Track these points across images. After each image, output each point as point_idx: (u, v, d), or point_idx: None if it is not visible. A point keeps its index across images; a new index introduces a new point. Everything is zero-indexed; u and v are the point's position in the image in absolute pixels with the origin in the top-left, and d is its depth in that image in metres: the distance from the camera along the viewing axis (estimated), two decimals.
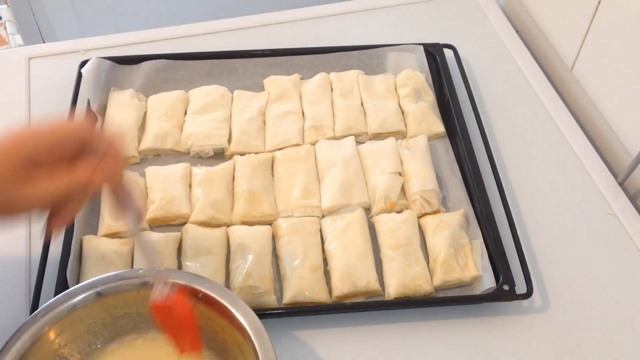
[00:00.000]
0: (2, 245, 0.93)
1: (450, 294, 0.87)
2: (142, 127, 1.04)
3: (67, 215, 0.66)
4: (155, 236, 0.89)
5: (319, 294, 0.85)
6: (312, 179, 0.97)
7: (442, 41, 1.16)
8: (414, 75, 1.10)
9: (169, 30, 1.25)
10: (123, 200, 0.70)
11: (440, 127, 1.05)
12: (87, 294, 0.72)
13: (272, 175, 0.99)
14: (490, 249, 0.89)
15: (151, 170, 0.98)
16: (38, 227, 0.93)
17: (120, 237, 0.91)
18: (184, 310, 0.72)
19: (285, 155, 1.00)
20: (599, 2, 1.03)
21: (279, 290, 0.87)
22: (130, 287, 0.73)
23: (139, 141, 1.02)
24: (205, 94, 1.08)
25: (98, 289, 0.72)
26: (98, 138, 0.67)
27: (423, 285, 0.85)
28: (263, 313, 0.82)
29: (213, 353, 0.75)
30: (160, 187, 0.95)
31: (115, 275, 0.74)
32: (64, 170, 0.64)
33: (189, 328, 0.72)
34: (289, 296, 0.84)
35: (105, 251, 0.87)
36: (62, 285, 0.83)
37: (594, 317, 0.86)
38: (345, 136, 1.03)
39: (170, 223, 0.94)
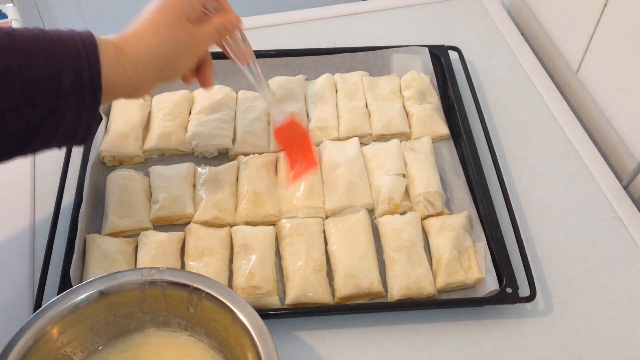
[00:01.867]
0: (5, 244, 0.93)
1: (453, 296, 0.87)
2: (146, 127, 1.05)
3: (211, 70, 0.88)
4: (159, 236, 0.89)
5: (321, 295, 0.85)
6: (316, 180, 0.97)
7: (447, 43, 1.16)
8: (418, 77, 1.10)
9: None
10: (237, 44, 0.90)
11: (444, 129, 1.05)
12: (90, 292, 0.72)
13: (276, 175, 0.99)
14: (493, 252, 0.89)
15: (155, 170, 0.98)
16: (41, 226, 0.94)
17: (124, 236, 0.91)
18: (301, 129, 0.96)
19: None
20: (605, 5, 1.03)
21: (282, 291, 0.87)
22: (134, 286, 0.73)
23: (144, 141, 1.03)
24: (210, 94, 1.08)
25: (101, 288, 0.72)
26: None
27: (426, 287, 0.85)
28: (266, 313, 0.82)
29: (215, 353, 0.75)
30: (164, 186, 0.95)
31: (119, 274, 0.74)
32: (206, 20, 0.82)
33: (307, 146, 0.95)
34: (291, 297, 0.84)
35: (108, 250, 0.87)
36: (65, 284, 0.83)
37: (597, 321, 0.85)
38: (350, 137, 1.03)
39: (173, 223, 0.94)
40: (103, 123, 1.03)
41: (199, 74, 0.88)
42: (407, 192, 0.96)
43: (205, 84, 0.88)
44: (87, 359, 0.74)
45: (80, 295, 0.72)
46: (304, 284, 0.85)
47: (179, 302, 0.74)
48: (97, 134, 1.01)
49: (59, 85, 0.68)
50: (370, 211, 0.95)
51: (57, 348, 0.71)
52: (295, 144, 0.96)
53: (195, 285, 0.72)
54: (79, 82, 0.69)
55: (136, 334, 0.76)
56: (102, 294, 0.72)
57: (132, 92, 0.78)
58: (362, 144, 1.03)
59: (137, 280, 0.73)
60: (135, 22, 0.78)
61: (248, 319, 0.69)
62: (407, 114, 1.07)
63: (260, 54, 1.14)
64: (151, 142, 1.02)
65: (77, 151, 0.99)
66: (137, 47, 0.75)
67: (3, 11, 1.92)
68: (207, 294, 0.72)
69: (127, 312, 0.75)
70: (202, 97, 1.08)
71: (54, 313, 0.70)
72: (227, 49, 0.89)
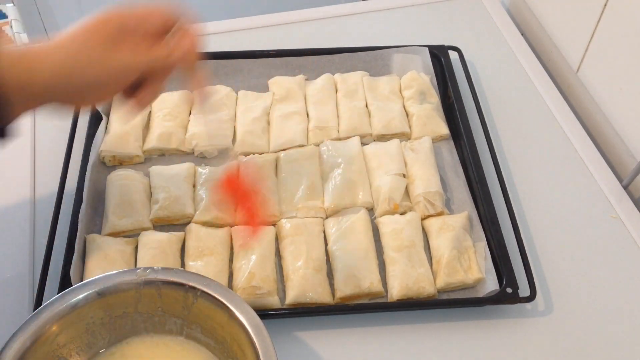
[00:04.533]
0: (5, 244, 0.93)
1: (453, 296, 0.87)
2: (146, 127, 1.05)
3: (150, 94, 0.76)
4: (159, 236, 0.89)
5: (321, 295, 0.85)
6: (316, 180, 0.97)
7: (447, 43, 1.16)
8: (418, 77, 1.10)
9: None
10: (193, 82, 0.77)
11: (444, 129, 1.05)
12: (87, 293, 0.72)
13: (276, 175, 0.99)
14: (493, 252, 0.89)
15: (155, 170, 0.98)
16: (41, 226, 0.94)
17: (124, 236, 0.91)
18: (247, 182, 0.85)
19: (289, 155, 1.00)
20: (605, 5, 1.03)
21: (282, 291, 0.87)
22: (129, 286, 0.73)
23: (144, 141, 1.03)
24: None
25: (97, 289, 0.72)
26: (179, 18, 0.74)
27: (426, 287, 0.85)
28: (266, 313, 0.82)
29: (212, 351, 0.75)
30: (164, 186, 0.95)
31: (114, 274, 0.73)
32: (146, 46, 0.72)
33: (253, 205, 0.85)
34: (291, 297, 0.84)
35: (108, 250, 0.87)
36: (66, 284, 0.83)
37: (597, 321, 0.85)
38: (350, 137, 1.03)
39: (174, 223, 0.94)
40: (103, 123, 1.03)
41: (136, 94, 0.76)
42: (407, 192, 0.96)
43: (137, 104, 0.76)
44: None
45: (77, 295, 0.71)
46: (304, 284, 0.85)
47: (175, 301, 0.73)
48: (97, 134, 1.01)
49: None
50: (370, 211, 0.95)
51: (54, 350, 0.71)
52: (240, 198, 0.87)
53: (190, 284, 0.72)
54: None
55: (131, 336, 0.76)
56: (98, 294, 0.72)
57: (66, 101, 0.73)
58: (362, 144, 1.03)
59: (132, 280, 0.73)
60: (67, 31, 0.72)
61: (244, 315, 0.69)
62: (407, 114, 1.07)
63: (260, 54, 1.14)
64: (151, 142, 1.02)
65: (77, 151, 0.99)
66: (54, 59, 0.70)
67: (3, 11, 1.92)
68: (203, 292, 0.72)
69: (123, 312, 0.75)
70: None
71: (51, 314, 0.70)
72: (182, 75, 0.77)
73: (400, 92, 1.11)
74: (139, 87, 0.75)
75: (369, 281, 0.85)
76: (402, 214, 0.93)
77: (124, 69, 0.72)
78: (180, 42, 0.73)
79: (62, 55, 0.70)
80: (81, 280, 0.84)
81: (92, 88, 0.72)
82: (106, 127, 1.03)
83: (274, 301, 0.84)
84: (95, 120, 1.04)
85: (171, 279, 0.73)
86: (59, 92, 0.71)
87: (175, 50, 0.73)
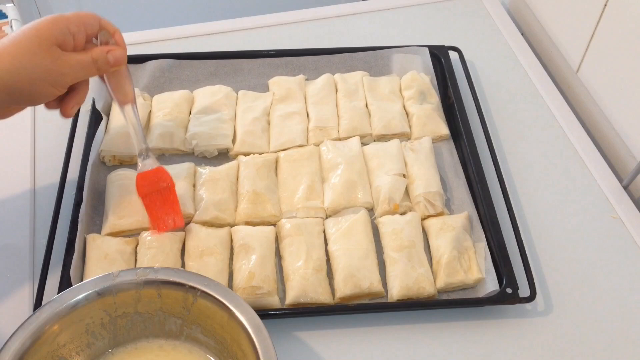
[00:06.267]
0: (6, 244, 0.93)
1: (453, 296, 0.87)
2: (146, 127, 1.05)
3: (79, 98, 0.84)
4: (159, 236, 0.89)
5: (322, 295, 0.85)
6: (316, 180, 0.97)
7: (447, 43, 1.16)
8: (418, 77, 1.10)
9: (175, 30, 1.25)
10: (119, 82, 0.85)
11: (444, 130, 1.05)
12: (87, 293, 0.72)
13: (276, 175, 0.99)
14: (493, 252, 0.89)
15: None
16: (41, 225, 0.94)
17: (124, 236, 0.91)
18: (168, 179, 0.89)
19: (289, 155, 1.00)
20: (605, 5, 1.03)
21: (282, 291, 0.87)
22: (129, 286, 0.73)
23: None
24: (210, 94, 1.08)
25: (97, 288, 0.72)
26: (107, 26, 0.84)
27: (426, 287, 0.85)
28: (266, 313, 0.82)
29: (212, 351, 0.75)
30: None
31: (114, 274, 0.73)
32: (85, 47, 0.81)
33: (172, 203, 0.89)
34: (291, 297, 0.84)
35: (108, 250, 0.87)
36: (66, 284, 0.83)
37: (597, 321, 0.85)
38: (350, 137, 1.03)
39: None
40: (103, 123, 1.03)
41: (61, 101, 0.83)
42: (407, 192, 0.96)
43: (63, 112, 0.84)
44: None
45: (77, 295, 0.72)
46: (304, 284, 0.85)
47: (175, 302, 0.74)
48: (97, 133, 1.01)
49: None
50: (370, 211, 0.95)
51: (54, 350, 0.71)
52: (158, 194, 0.89)
53: (190, 284, 0.72)
54: None
55: (131, 336, 0.76)
56: (98, 294, 0.72)
57: (13, 102, 0.79)
58: (362, 144, 1.03)
59: (132, 280, 0.73)
60: (7, 38, 0.76)
61: (244, 315, 0.69)
62: (407, 114, 1.07)
63: (260, 54, 1.14)
64: (151, 142, 1.01)
65: (77, 151, 0.99)
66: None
67: (3, 11, 1.93)
68: (203, 292, 0.72)
69: (123, 312, 0.75)
70: (202, 97, 1.08)
71: (51, 314, 0.70)
72: (107, 83, 0.86)
73: (400, 92, 1.10)
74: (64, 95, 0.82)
75: (369, 281, 0.85)
76: (402, 214, 0.93)
77: (79, 67, 0.79)
78: (114, 48, 0.83)
79: (8, 61, 0.74)
80: (81, 280, 0.85)
81: (39, 88, 0.78)
82: (106, 127, 1.03)
83: (274, 301, 0.84)
84: (95, 120, 1.04)
85: (171, 279, 0.73)
86: (6, 95, 0.76)
87: (112, 52, 0.82)
